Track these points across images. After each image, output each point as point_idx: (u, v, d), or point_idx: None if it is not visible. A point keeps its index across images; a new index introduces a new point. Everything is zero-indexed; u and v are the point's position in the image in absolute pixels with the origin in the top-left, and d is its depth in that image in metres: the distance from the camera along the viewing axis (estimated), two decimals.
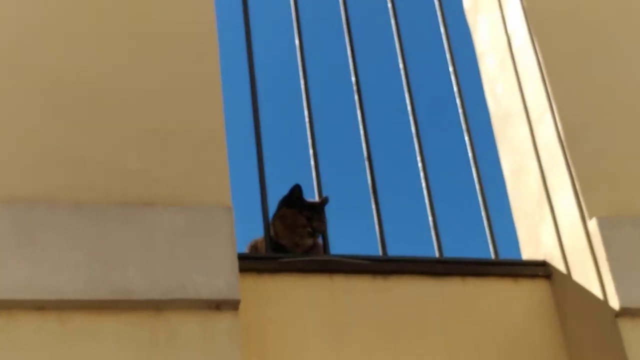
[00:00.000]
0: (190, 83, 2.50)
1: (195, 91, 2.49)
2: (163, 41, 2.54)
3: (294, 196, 2.82)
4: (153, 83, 2.48)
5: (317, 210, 2.79)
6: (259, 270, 2.59)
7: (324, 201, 2.80)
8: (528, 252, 2.87)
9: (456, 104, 3.02)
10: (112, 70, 2.47)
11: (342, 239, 2.88)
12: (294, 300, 2.57)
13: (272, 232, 2.76)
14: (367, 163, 2.82)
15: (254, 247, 2.82)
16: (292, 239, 2.77)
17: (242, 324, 2.42)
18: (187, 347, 2.16)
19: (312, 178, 2.79)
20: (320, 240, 2.82)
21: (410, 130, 2.92)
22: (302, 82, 2.87)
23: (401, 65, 3.01)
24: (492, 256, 2.80)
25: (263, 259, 2.65)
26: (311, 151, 2.79)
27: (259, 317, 2.50)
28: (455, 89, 3.04)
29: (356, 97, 2.91)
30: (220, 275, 2.24)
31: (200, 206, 2.34)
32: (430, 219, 2.80)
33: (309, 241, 2.76)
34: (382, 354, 2.54)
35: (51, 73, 2.44)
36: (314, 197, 2.81)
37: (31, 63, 2.44)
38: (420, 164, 2.86)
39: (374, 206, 2.77)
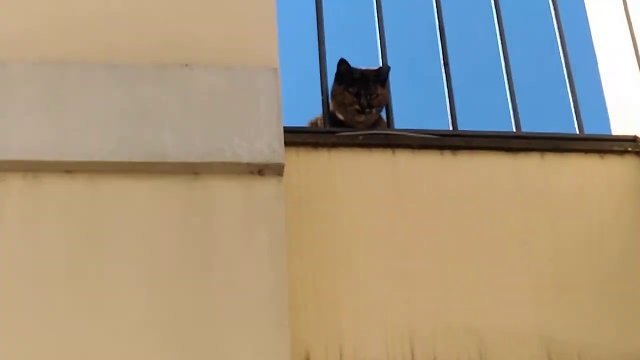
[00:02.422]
0: None
1: None
2: None
3: (341, 71, 2.56)
4: None
5: (367, 84, 2.51)
6: (315, 145, 2.39)
7: (381, 71, 2.53)
8: (618, 130, 2.58)
9: None
10: None
11: (408, 113, 2.63)
12: (353, 176, 2.37)
13: (331, 108, 2.55)
14: (437, 29, 2.56)
15: (314, 124, 2.60)
16: (347, 116, 2.53)
17: (295, 200, 2.26)
18: (226, 214, 1.98)
19: (376, 46, 2.55)
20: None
21: None
22: None
23: None
24: (577, 132, 2.52)
25: (320, 133, 2.45)
26: (376, 15, 2.54)
27: (313, 193, 2.32)
28: None
29: None
30: (263, 139, 2.04)
31: (244, 67, 2.14)
32: (507, 91, 2.53)
33: (360, 118, 2.50)
34: (448, 234, 2.31)
35: None
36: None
37: None
38: (497, 28, 2.58)
39: (444, 76, 2.53)
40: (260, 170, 2.03)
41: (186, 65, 2.13)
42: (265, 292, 1.89)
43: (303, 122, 2.61)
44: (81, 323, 1.84)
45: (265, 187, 2.02)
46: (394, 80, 2.56)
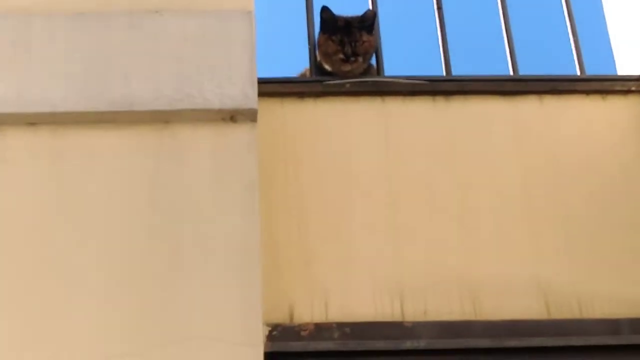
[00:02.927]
0: None
1: None
2: None
3: (324, 20, 2.43)
4: None
5: (351, 31, 2.38)
6: (301, 95, 2.30)
7: (366, 17, 2.39)
8: (624, 70, 2.44)
9: None
10: None
11: (401, 60, 2.51)
12: (340, 125, 2.26)
13: (318, 58, 2.43)
14: None
15: (304, 75, 2.49)
16: (333, 66, 2.40)
17: (281, 151, 2.17)
18: (197, 164, 1.89)
19: None
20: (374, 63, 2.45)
21: None
22: None
23: None
24: (578, 73, 2.38)
25: (305, 82, 2.34)
26: None
27: (300, 144, 2.22)
28: None
29: None
30: (235, 84, 1.94)
31: (217, 11, 2.04)
32: (503, 31, 2.40)
33: (346, 68, 2.36)
34: (442, 184, 2.20)
35: None
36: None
37: None
38: None
39: (437, 19, 2.40)
40: (232, 116, 1.93)
41: (156, 11, 2.04)
42: (236, 243, 1.80)
43: (294, 74, 2.51)
44: (46, 277, 1.76)
45: (238, 133, 1.92)
46: (385, 26, 2.43)
